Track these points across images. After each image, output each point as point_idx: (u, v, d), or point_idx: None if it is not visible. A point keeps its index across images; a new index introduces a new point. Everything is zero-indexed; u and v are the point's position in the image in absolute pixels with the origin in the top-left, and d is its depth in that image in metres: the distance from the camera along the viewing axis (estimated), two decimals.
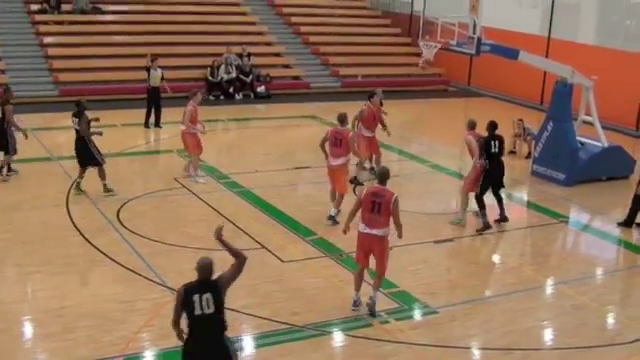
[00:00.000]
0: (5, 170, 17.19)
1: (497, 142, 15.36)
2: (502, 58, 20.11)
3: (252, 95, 28.91)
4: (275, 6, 35.21)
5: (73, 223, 14.74)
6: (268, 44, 32.41)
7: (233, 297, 11.77)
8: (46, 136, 20.46)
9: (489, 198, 15.63)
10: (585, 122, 19.94)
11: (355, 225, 11.67)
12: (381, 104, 18.68)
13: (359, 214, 11.49)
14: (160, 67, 23.21)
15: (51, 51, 28.00)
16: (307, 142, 22.64)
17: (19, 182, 17.15)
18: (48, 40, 28.55)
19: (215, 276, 8.22)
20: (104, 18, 30.91)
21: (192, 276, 12.53)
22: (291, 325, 11.10)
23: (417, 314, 11.89)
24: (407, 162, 20.72)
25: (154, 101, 22.89)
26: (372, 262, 11.87)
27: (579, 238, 16.49)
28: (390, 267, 12.29)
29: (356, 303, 11.66)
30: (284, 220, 15.49)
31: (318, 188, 17.84)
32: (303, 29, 33.78)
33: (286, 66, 31.64)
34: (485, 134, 15.48)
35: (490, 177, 15.30)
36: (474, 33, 18.41)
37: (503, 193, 15.95)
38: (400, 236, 11.49)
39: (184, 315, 8.08)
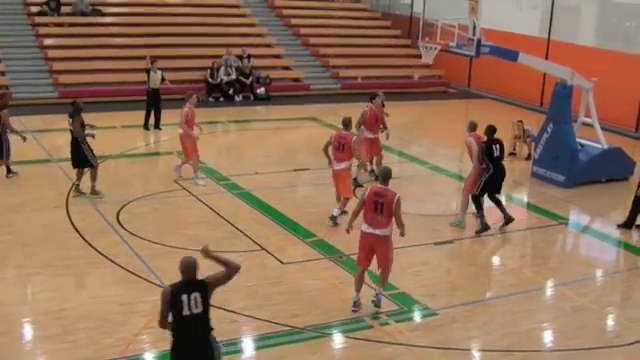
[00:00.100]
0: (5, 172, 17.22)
1: (498, 146, 15.34)
2: (502, 60, 20.11)
3: (252, 97, 28.90)
4: (275, 8, 35.23)
5: (73, 225, 14.74)
6: (268, 46, 32.41)
7: (233, 299, 11.82)
8: (46, 138, 20.48)
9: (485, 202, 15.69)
10: (585, 124, 19.94)
11: (357, 225, 11.69)
12: (383, 106, 18.67)
13: (361, 214, 11.55)
14: (160, 69, 23.21)
15: (51, 53, 28.01)
16: (307, 144, 22.69)
17: (19, 184, 17.15)
18: (48, 42, 28.55)
19: (202, 278, 8.24)
20: (104, 20, 30.92)
21: None
22: (291, 327, 11.10)
23: (417, 316, 11.89)
24: (407, 164, 20.73)
25: (154, 103, 22.90)
26: (373, 265, 11.89)
27: (579, 240, 16.49)
28: (393, 269, 12.30)
29: (356, 304, 11.68)
30: (284, 222, 15.49)
31: (318, 190, 17.86)
32: (303, 31, 33.79)
33: (286, 68, 31.65)
34: (485, 136, 15.43)
35: (493, 181, 15.26)
36: (474, 35, 18.41)
37: (500, 196, 15.91)
38: (403, 234, 11.55)
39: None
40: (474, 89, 32.60)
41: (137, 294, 11.94)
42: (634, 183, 17.16)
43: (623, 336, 11.55)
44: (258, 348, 10.67)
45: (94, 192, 16.33)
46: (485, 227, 15.18)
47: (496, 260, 14.79)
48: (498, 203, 15.52)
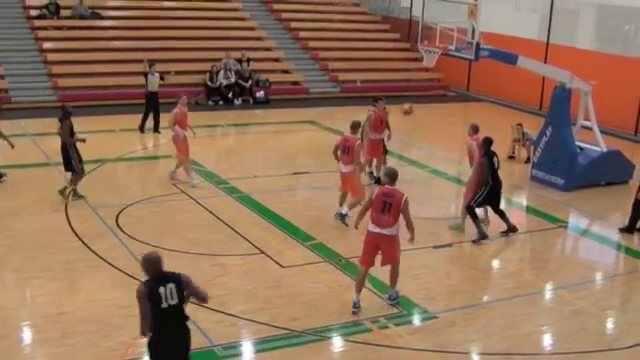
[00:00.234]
0: None
1: (496, 158, 15.33)
2: (501, 63, 20.13)
3: (251, 100, 28.90)
4: (274, 11, 35.23)
5: (72, 228, 14.74)
6: (267, 49, 32.43)
7: (232, 302, 11.84)
8: (45, 141, 20.45)
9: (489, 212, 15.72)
10: (584, 127, 19.94)
11: (361, 228, 11.75)
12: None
13: (368, 213, 11.74)
14: (158, 72, 23.19)
15: (50, 56, 28.00)
16: (306, 147, 22.73)
17: (18, 188, 17.14)
18: (47, 45, 28.55)
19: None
20: (103, 23, 30.90)
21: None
22: (290, 330, 11.10)
23: (416, 319, 11.89)
24: (406, 167, 20.69)
25: (152, 106, 22.89)
26: (373, 269, 11.89)
27: (578, 243, 16.48)
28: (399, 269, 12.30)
29: (356, 305, 11.70)
30: (283, 225, 15.49)
31: (317, 193, 17.88)
32: (302, 34, 33.79)
33: (285, 71, 31.65)
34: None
35: (493, 194, 15.19)
36: (473, 38, 18.43)
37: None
38: (412, 238, 11.77)
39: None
40: (473, 92, 32.61)
41: (135, 297, 11.91)
42: (634, 186, 17.18)
43: (623, 339, 11.55)
44: (257, 351, 10.66)
45: (62, 193, 16.18)
46: (483, 236, 15.09)
47: (495, 263, 14.78)
48: (502, 214, 15.48)
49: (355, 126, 15.75)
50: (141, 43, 29.41)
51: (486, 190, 15.03)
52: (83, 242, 14.02)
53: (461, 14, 19.25)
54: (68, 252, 13.62)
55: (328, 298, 12.29)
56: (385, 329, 11.36)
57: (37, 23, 29.52)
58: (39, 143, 20.25)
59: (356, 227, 12.31)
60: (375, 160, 18.58)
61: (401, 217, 11.60)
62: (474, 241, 15.05)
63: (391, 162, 18.67)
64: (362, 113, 18.83)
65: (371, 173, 18.47)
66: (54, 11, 29.84)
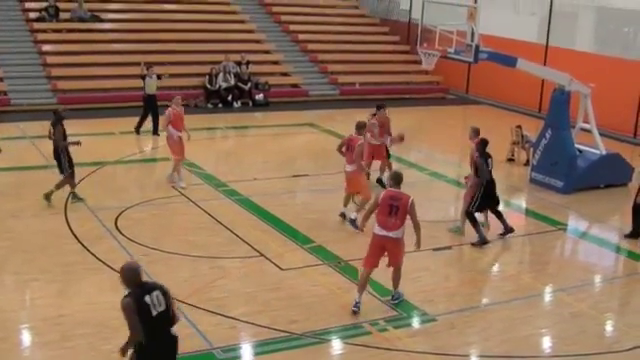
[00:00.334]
0: None
1: (490, 160, 15.33)
2: (500, 66, 20.14)
3: (250, 103, 28.90)
4: (273, 14, 35.24)
5: (71, 231, 14.74)
6: (266, 52, 32.43)
7: (231, 305, 11.84)
8: (44, 144, 20.30)
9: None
10: (583, 129, 19.95)
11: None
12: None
13: (374, 215, 11.90)
14: (155, 74, 23.18)
15: (50, 59, 28.01)
16: (305, 150, 22.73)
17: (18, 190, 17.14)
18: (47, 48, 28.56)
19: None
20: (102, 26, 30.92)
21: (190, 284, 12.61)
22: (290, 333, 11.10)
23: (416, 322, 11.89)
24: (406, 170, 20.57)
25: (151, 109, 22.90)
26: (375, 274, 11.90)
27: (577, 246, 16.47)
28: (389, 275, 12.32)
29: (357, 305, 11.75)
30: (282, 228, 15.49)
31: (316, 196, 17.89)
32: (301, 37, 33.80)
33: (284, 74, 31.65)
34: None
35: (488, 196, 15.16)
36: (472, 41, 18.43)
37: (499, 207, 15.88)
38: (419, 241, 11.90)
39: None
40: (472, 95, 32.61)
41: None
42: (633, 189, 17.17)
43: (622, 342, 11.55)
44: (257, 354, 10.66)
45: (47, 197, 16.09)
46: (483, 241, 15.06)
47: (495, 266, 14.78)
48: (499, 215, 15.46)
49: (360, 126, 15.91)
50: (140, 46, 29.41)
51: (481, 193, 15.00)
52: (82, 245, 14.02)
53: (460, 17, 19.27)
54: (67, 255, 13.62)
55: (327, 301, 12.29)
56: (384, 332, 11.37)
57: (36, 26, 29.53)
58: (38, 145, 20.24)
59: (361, 229, 12.55)
60: (380, 163, 18.57)
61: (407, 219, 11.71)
62: (474, 244, 15.05)
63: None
64: (361, 115, 18.90)
65: (380, 180, 18.40)
66: (53, 14, 29.85)
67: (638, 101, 25.63)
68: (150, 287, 7.99)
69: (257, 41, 32.83)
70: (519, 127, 21.91)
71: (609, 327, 12.26)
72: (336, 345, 11.05)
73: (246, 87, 28.92)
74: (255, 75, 29.68)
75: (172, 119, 17.88)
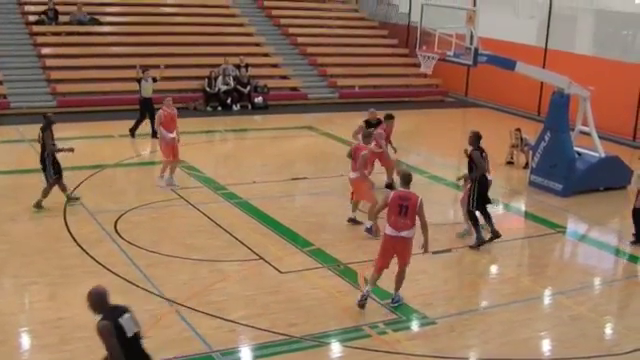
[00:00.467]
0: None
1: (485, 154, 15.30)
2: (499, 69, 20.13)
3: (250, 106, 28.90)
4: (273, 17, 35.26)
5: (71, 234, 14.73)
6: (265, 55, 32.45)
7: (231, 308, 11.84)
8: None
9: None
10: (582, 132, 19.96)
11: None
12: (378, 122, 18.82)
13: (384, 216, 12.09)
14: (151, 77, 23.14)
15: (49, 62, 28.02)
16: (304, 153, 22.74)
17: (17, 193, 17.12)
18: (46, 51, 28.58)
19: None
20: (102, 29, 30.93)
21: (189, 287, 12.61)
22: (289, 336, 11.08)
23: (415, 325, 11.88)
24: (393, 170, 20.70)
25: (148, 112, 22.89)
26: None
27: (577, 248, 16.47)
28: (388, 278, 12.32)
29: (364, 297, 11.90)
30: (281, 231, 15.48)
31: (315, 199, 17.89)
32: (300, 40, 33.82)
33: (283, 77, 31.67)
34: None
35: (484, 192, 15.13)
36: (471, 44, 18.44)
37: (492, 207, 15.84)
38: (426, 243, 12.08)
39: None
40: (472, 98, 32.63)
41: (134, 303, 11.79)
42: (632, 192, 17.17)
43: (621, 345, 11.54)
44: (256, 357, 10.66)
45: (38, 205, 16.01)
46: (481, 242, 15.00)
47: (494, 269, 14.77)
48: (488, 217, 15.29)
49: (367, 135, 16.00)
50: (140, 49, 29.41)
51: (476, 188, 14.92)
52: (82, 248, 14.01)
53: (459, 20, 19.27)
54: (66, 258, 13.61)
55: (327, 304, 12.29)
56: (384, 335, 11.36)
57: (36, 29, 29.53)
58: (37, 149, 20.14)
59: (376, 232, 12.95)
60: (387, 170, 18.61)
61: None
62: (472, 246, 15.03)
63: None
64: (361, 119, 18.91)
65: (390, 185, 18.40)
66: (53, 17, 29.86)
67: (637, 104, 25.64)
68: (121, 310, 7.98)
69: (256, 44, 32.85)
70: (518, 130, 21.91)
71: (608, 330, 12.26)
72: (335, 348, 11.04)
73: (245, 90, 28.93)
74: (254, 78, 29.69)
75: (163, 120, 17.91)
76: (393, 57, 35.06)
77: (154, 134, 22.80)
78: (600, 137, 19.96)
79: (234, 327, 11.30)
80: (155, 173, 18.30)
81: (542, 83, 26.21)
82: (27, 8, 30.69)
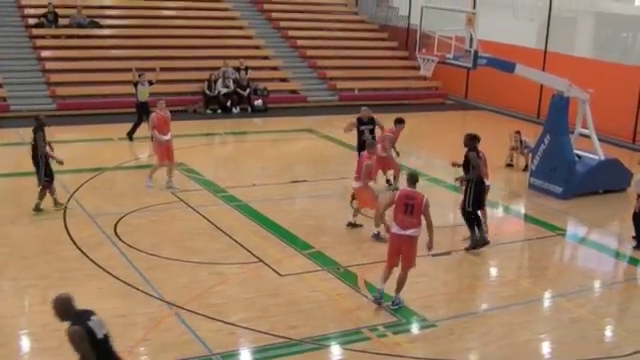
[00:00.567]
0: None
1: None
2: (499, 71, 20.14)
3: (249, 109, 28.91)
4: (272, 20, 35.27)
5: (70, 237, 14.73)
6: (265, 58, 32.46)
7: (230, 311, 11.83)
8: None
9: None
10: (582, 135, 19.95)
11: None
12: (371, 120, 18.87)
13: (390, 214, 12.32)
14: (147, 80, 23.09)
15: (48, 65, 28.02)
16: (304, 156, 22.74)
17: (16, 196, 17.12)
18: (45, 54, 28.58)
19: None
20: (101, 32, 30.92)
21: (189, 290, 12.60)
22: (289, 339, 11.08)
23: (415, 327, 11.88)
24: (405, 176, 20.69)
25: (145, 115, 22.82)
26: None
27: (576, 251, 16.48)
28: (388, 281, 12.32)
29: (380, 292, 12.16)
30: (281, 234, 15.48)
31: (315, 201, 17.89)
32: (300, 43, 33.82)
33: (283, 80, 31.67)
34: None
35: (480, 194, 15.06)
36: (471, 46, 18.44)
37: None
38: (431, 242, 12.17)
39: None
40: (471, 101, 32.63)
41: (134, 306, 11.93)
42: (632, 196, 17.17)
43: (621, 347, 11.54)
44: None
45: (37, 209, 16.01)
46: (476, 244, 14.90)
47: (493, 271, 14.77)
48: (479, 222, 15.13)
49: (371, 145, 16.04)
50: (139, 52, 29.42)
51: (472, 190, 14.86)
52: (81, 251, 14.01)
53: (459, 22, 19.27)
54: (66, 261, 13.61)
55: (326, 306, 12.29)
56: (384, 337, 11.35)
57: (35, 32, 29.53)
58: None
59: (386, 231, 12.86)
60: (393, 172, 18.67)
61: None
62: (467, 249, 15.01)
63: (389, 171, 18.73)
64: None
65: (388, 181, 18.59)
66: (52, 20, 29.86)
67: (637, 106, 25.65)
68: (87, 313, 7.98)
69: (256, 47, 32.87)
70: (518, 133, 21.91)
71: (608, 332, 12.26)
72: (335, 351, 11.05)
73: (245, 93, 28.94)
74: (254, 81, 29.71)
75: (156, 123, 17.94)
76: (393, 60, 35.06)
77: (131, 135, 22.77)
78: (600, 140, 19.96)
79: (234, 330, 11.30)
80: (155, 176, 18.28)
81: (542, 86, 26.19)
82: (27, 11, 30.70)
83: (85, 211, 16.21)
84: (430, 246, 12.21)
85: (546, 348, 11.61)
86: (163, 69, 27.02)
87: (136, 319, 11.46)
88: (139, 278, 12.88)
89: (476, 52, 18.37)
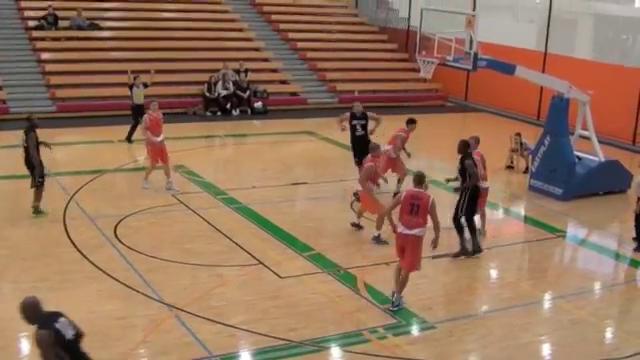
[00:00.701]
0: None
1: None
2: (499, 73, 20.14)
3: (249, 111, 28.92)
4: (272, 22, 35.28)
5: (70, 239, 14.72)
6: (265, 60, 32.47)
7: (230, 313, 11.83)
8: (43, 152, 20.40)
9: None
10: (582, 137, 19.95)
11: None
12: (363, 115, 18.89)
13: (396, 215, 12.53)
14: (142, 83, 23.08)
15: (48, 67, 28.03)
16: (304, 158, 22.73)
17: (16, 198, 17.12)
18: (45, 56, 28.59)
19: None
20: (101, 34, 30.95)
21: (189, 292, 12.59)
22: (289, 341, 11.08)
23: (415, 329, 11.87)
24: (405, 177, 20.68)
25: (141, 117, 22.79)
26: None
27: (577, 253, 16.47)
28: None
29: (395, 298, 12.22)
30: (281, 236, 15.47)
31: (315, 204, 17.89)
32: (300, 45, 33.84)
33: (283, 82, 31.69)
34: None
35: (474, 202, 14.89)
36: (471, 48, 18.44)
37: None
38: (437, 239, 12.41)
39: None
40: (471, 103, 32.64)
41: (134, 308, 11.92)
42: (631, 197, 17.16)
43: (622, 349, 11.53)
44: None
45: (36, 211, 15.98)
46: (464, 252, 14.72)
47: (493, 273, 14.75)
48: (473, 230, 14.90)
49: (375, 148, 15.89)
50: (139, 54, 29.43)
51: (467, 197, 14.77)
52: (81, 253, 14.00)
53: (459, 24, 19.27)
54: (66, 263, 13.60)
55: (326, 308, 12.28)
56: (383, 339, 11.34)
57: (35, 34, 29.55)
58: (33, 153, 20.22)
59: (394, 231, 12.75)
60: (398, 176, 18.52)
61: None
62: (455, 255, 14.66)
63: (389, 173, 18.69)
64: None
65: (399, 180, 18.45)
66: (52, 22, 29.88)
67: (637, 108, 25.65)
68: (55, 315, 7.95)
69: (256, 49, 32.89)
70: (518, 134, 21.91)
71: (609, 334, 12.25)
72: (335, 353, 11.04)
73: (245, 95, 28.94)
74: (254, 83, 29.72)
75: (149, 125, 17.96)
76: (393, 62, 35.07)
77: (129, 138, 22.73)
78: (600, 141, 19.96)
79: (234, 332, 11.29)
80: (154, 178, 18.29)
81: (542, 87, 26.20)
82: (27, 13, 30.71)
83: (85, 213, 16.21)
84: (435, 243, 12.37)
85: (546, 350, 11.60)
86: (163, 71, 27.13)
87: (136, 321, 11.46)
88: (139, 280, 12.87)
89: (476, 54, 18.37)
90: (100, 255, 13.90)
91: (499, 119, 29.72)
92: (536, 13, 34.00)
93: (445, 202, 18.64)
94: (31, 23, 30.09)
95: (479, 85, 31.08)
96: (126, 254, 14.04)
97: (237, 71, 29.32)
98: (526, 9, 36.21)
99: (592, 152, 19.69)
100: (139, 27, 31.94)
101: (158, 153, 18.10)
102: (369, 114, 19.04)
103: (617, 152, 22.79)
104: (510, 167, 21.82)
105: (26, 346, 10.87)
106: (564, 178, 18.93)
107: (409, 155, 18.79)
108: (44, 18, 29.88)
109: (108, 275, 13.01)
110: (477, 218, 15.33)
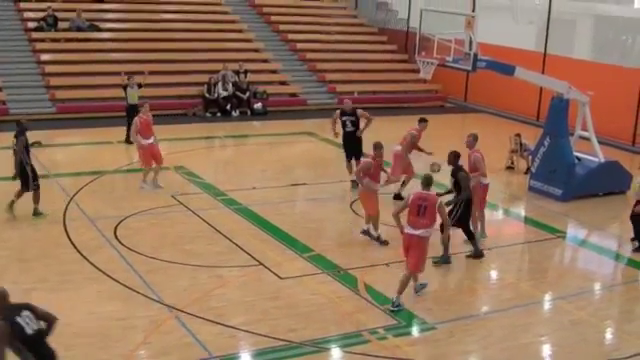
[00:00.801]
0: None
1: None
2: (498, 74, 20.14)
3: (249, 112, 28.91)
4: (272, 23, 35.27)
5: (70, 240, 14.72)
6: (265, 61, 32.46)
7: (230, 314, 11.82)
8: (43, 153, 20.40)
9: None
10: (582, 137, 19.95)
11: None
12: (353, 111, 18.92)
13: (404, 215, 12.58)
14: (136, 83, 23.06)
15: (48, 68, 28.02)
16: (304, 159, 22.72)
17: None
18: (45, 57, 28.57)
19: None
20: (101, 35, 30.94)
21: (189, 293, 12.59)
22: (289, 342, 11.07)
23: (415, 330, 11.87)
24: (410, 180, 20.67)
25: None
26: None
27: (576, 253, 16.46)
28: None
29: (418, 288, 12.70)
30: (281, 237, 15.47)
31: (315, 204, 17.89)
32: (300, 46, 33.83)
33: (283, 83, 31.68)
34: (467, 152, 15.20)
35: (468, 210, 14.65)
36: (470, 49, 18.44)
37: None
38: (446, 238, 13.14)
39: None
40: (471, 103, 32.63)
41: (134, 309, 11.92)
42: (631, 198, 17.16)
43: (622, 349, 11.53)
44: None
45: (36, 213, 15.97)
46: (446, 260, 14.43)
47: (494, 274, 14.74)
48: (471, 236, 14.85)
49: (376, 146, 15.47)
50: (139, 55, 29.41)
51: (460, 208, 14.46)
52: (81, 254, 14.00)
53: (458, 25, 19.28)
54: (66, 264, 13.59)
55: (326, 309, 12.27)
56: (383, 340, 11.34)
57: (35, 35, 29.54)
58: (37, 155, 20.18)
59: (402, 232, 12.61)
60: (405, 177, 18.40)
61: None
62: (436, 262, 14.27)
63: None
64: (360, 123, 18.89)
65: (397, 195, 18.01)
66: (52, 23, 29.87)
67: (636, 108, 25.65)
68: (18, 308, 7.99)
69: (255, 50, 32.88)
70: (518, 135, 21.89)
71: (609, 335, 12.25)
72: (335, 353, 11.04)
73: (244, 96, 28.93)
74: (253, 84, 29.71)
75: (139, 127, 17.95)
76: (392, 63, 35.06)
77: (128, 139, 22.73)
78: (599, 142, 19.95)
79: (234, 333, 11.28)
80: (147, 179, 18.30)
81: (541, 88, 26.19)
82: (26, 14, 30.69)
83: (85, 214, 16.21)
84: (444, 241, 13.04)
85: (546, 350, 11.60)
86: (163, 73, 27.15)
87: (136, 322, 11.45)
88: (139, 281, 12.87)
89: (475, 55, 18.37)
90: (100, 256, 13.90)
91: (499, 120, 29.72)
92: (535, 14, 34.03)
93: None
94: (31, 24, 30.08)
95: (479, 86, 31.07)
96: (126, 255, 14.04)
97: (237, 72, 29.31)
98: (525, 10, 36.21)
99: (592, 153, 19.69)
100: (139, 28, 31.93)
101: (149, 155, 18.10)
102: (360, 112, 18.98)
103: (617, 153, 22.78)
104: (510, 168, 21.81)
105: None
106: (564, 179, 18.93)
107: (430, 153, 18.48)
108: (44, 19, 29.88)
109: (108, 276, 13.00)
110: (475, 221, 15.34)
